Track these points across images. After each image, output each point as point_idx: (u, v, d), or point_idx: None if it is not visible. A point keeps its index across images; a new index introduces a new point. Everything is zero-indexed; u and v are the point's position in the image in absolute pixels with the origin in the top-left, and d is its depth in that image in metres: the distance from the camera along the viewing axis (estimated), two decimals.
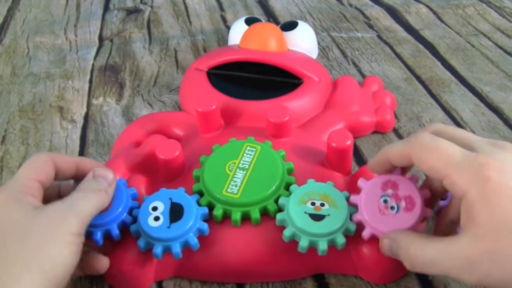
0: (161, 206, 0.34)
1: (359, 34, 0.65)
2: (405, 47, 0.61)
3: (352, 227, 0.32)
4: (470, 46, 0.61)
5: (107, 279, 0.36)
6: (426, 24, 0.66)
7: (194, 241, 0.33)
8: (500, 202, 0.25)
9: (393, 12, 0.69)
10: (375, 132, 0.48)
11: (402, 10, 0.70)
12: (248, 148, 0.38)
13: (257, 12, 0.72)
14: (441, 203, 0.39)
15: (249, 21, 0.55)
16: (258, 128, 0.42)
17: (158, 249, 0.32)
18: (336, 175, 0.39)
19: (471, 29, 0.64)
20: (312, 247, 0.32)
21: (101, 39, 0.67)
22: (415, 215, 0.31)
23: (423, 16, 0.68)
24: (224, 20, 0.70)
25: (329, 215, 0.33)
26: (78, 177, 0.34)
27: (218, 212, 0.35)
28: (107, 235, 0.33)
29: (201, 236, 0.34)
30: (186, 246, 0.33)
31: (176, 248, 0.32)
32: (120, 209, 0.33)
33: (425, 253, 0.27)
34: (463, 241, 0.26)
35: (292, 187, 0.35)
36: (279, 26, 0.54)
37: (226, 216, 0.35)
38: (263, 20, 0.56)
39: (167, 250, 0.32)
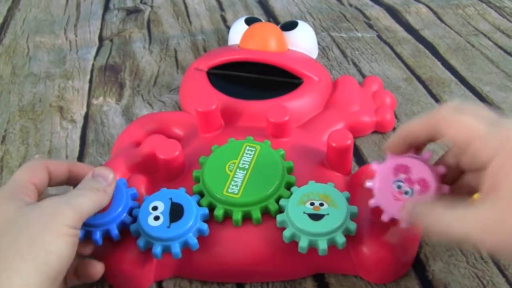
0: (161, 205, 0.34)
1: (359, 34, 0.65)
2: (405, 47, 0.61)
3: (353, 227, 0.32)
4: (470, 46, 0.61)
5: (107, 279, 0.36)
6: (426, 24, 0.66)
7: (193, 241, 0.33)
8: None
9: (393, 12, 0.69)
10: (375, 132, 0.48)
11: (402, 10, 0.70)
12: (248, 148, 0.38)
13: (257, 12, 0.72)
14: None
15: (249, 21, 0.55)
16: (258, 128, 0.42)
17: (157, 249, 0.32)
18: (336, 175, 0.39)
19: (471, 29, 0.64)
20: (313, 247, 0.32)
21: (101, 39, 0.67)
22: (429, 197, 0.30)
23: (423, 16, 0.68)
24: (224, 20, 0.70)
25: (328, 214, 0.33)
26: (71, 182, 0.34)
27: (219, 212, 0.35)
28: (107, 235, 0.33)
29: (201, 236, 0.34)
30: (185, 246, 0.33)
31: (176, 248, 0.32)
32: (120, 209, 0.33)
33: (444, 219, 0.27)
34: (484, 207, 0.26)
35: (292, 189, 0.35)
36: (279, 26, 0.54)
37: (227, 216, 0.35)
38: (263, 20, 0.56)
39: (166, 250, 0.32)
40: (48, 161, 0.33)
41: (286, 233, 0.32)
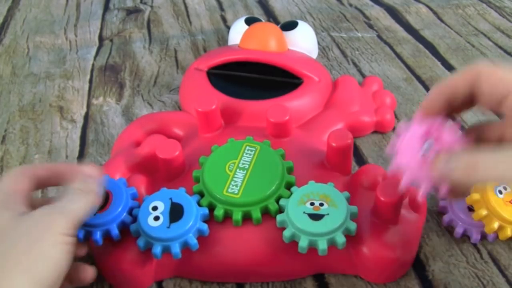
0: (161, 206, 0.34)
1: (359, 34, 0.65)
2: (405, 47, 0.61)
3: (353, 227, 0.32)
4: (470, 46, 0.61)
5: (107, 279, 0.36)
6: (426, 24, 0.66)
7: (193, 241, 0.33)
8: None
9: (393, 12, 0.69)
10: (375, 132, 0.48)
11: (402, 10, 0.70)
12: (248, 147, 0.38)
13: (257, 12, 0.72)
14: (441, 203, 0.39)
15: (249, 21, 0.55)
16: (258, 128, 0.42)
17: (157, 249, 0.32)
18: (336, 175, 0.39)
19: (471, 29, 0.64)
20: (313, 247, 0.32)
21: (101, 39, 0.67)
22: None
23: (423, 16, 0.68)
24: (224, 20, 0.70)
25: (328, 214, 0.33)
26: (58, 182, 0.33)
27: (219, 212, 0.35)
28: (107, 235, 0.33)
29: (201, 236, 0.34)
30: (185, 246, 0.33)
31: (175, 248, 0.32)
32: (119, 209, 0.33)
33: (483, 160, 0.27)
34: None
35: (292, 189, 0.35)
36: (279, 26, 0.54)
37: (227, 216, 0.35)
38: (263, 20, 0.56)
39: (166, 250, 0.32)
40: (32, 166, 0.33)
41: (286, 233, 0.32)
